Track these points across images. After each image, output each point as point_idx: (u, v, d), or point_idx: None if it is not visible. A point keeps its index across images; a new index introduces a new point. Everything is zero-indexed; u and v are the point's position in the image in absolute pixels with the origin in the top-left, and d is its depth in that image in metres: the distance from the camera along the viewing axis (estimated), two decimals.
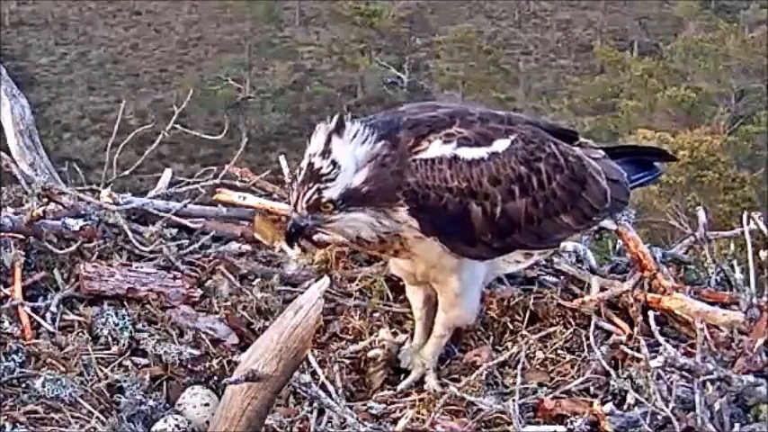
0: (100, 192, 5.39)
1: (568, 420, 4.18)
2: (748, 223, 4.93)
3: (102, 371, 4.36)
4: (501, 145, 4.32)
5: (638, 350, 4.37)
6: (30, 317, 4.54)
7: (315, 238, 4.95)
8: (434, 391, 4.46)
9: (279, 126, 53.36)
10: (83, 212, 5.12)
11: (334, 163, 4.07)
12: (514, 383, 4.41)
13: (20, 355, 4.29)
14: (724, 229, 5.33)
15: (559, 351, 4.68)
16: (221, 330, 4.66)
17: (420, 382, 4.55)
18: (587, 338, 4.65)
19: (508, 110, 4.80)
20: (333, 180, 4.07)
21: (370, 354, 4.62)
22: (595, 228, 4.95)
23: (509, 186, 4.30)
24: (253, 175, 5.57)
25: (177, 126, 5.93)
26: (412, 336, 4.71)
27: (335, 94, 55.70)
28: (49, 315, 4.60)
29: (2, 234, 4.82)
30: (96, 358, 4.40)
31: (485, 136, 4.32)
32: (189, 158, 45.64)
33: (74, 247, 4.92)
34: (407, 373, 4.59)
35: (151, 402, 4.21)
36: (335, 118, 4.14)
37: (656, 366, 4.05)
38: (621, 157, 4.88)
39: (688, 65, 50.55)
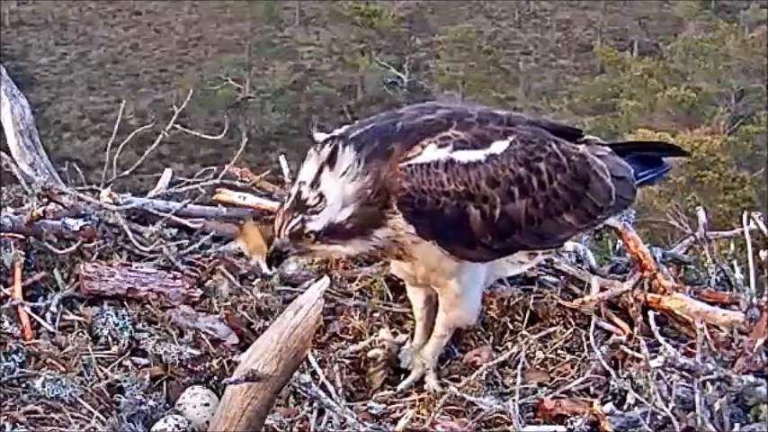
0: (100, 192, 5.39)
1: (568, 420, 4.18)
2: (748, 223, 4.93)
3: (102, 371, 4.36)
4: (499, 146, 4.31)
5: (638, 350, 4.37)
6: (30, 317, 4.54)
7: None
8: (434, 391, 4.46)
9: (279, 126, 53.36)
10: (83, 212, 5.12)
11: (321, 196, 4.12)
12: (514, 383, 4.41)
13: (20, 355, 4.29)
14: (724, 229, 5.33)
15: (559, 351, 4.68)
16: (221, 330, 4.66)
17: (420, 382, 4.55)
18: (587, 338, 4.65)
19: (508, 110, 4.77)
20: (317, 213, 4.12)
21: (370, 354, 4.62)
22: (600, 225, 4.93)
23: (508, 188, 4.28)
24: (253, 175, 5.57)
25: (177, 126, 5.93)
26: (412, 336, 4.71)
27: (335, 94, 55.72)
28: (49, 315, 4.60)
29: (2, 234, 4.82)
30: (96, 358, 4.40)
31: (482, 138, 4.30)
32: (189, 158, 45.64)
33: (74, 247, 4.92)
34: (407, 373, 4.59)
35: (151, 402, 4.21)
36: (329, 148, 4.15)
37: (656, 366, 4.05)
38: (630, 153, 4.85)
39: (688, 65, 50.55)
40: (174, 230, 5.30)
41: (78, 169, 5.83)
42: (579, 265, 5.09)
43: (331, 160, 4.14)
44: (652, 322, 4.40)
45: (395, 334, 4.72)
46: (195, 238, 5.28)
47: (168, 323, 4.65)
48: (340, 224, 4.14)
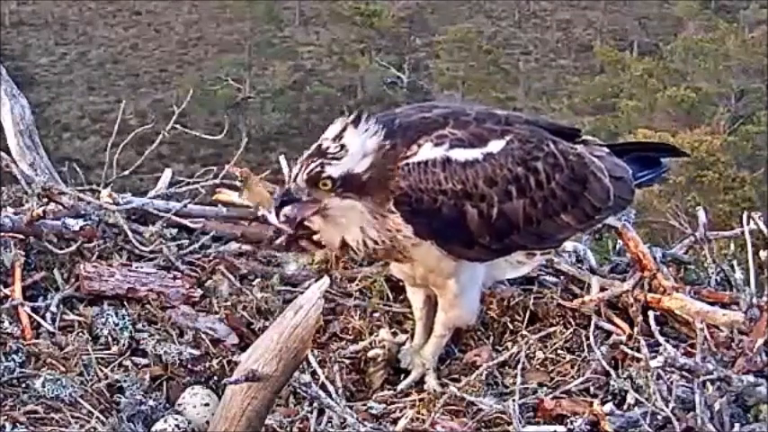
0: (100, 192, 5.39)
1: (568, 420, 4.18)
2: (748, 223, 4.93)
3: (102, 371, 4.36)
4: (496, 145, 4.30)
5: (638, 350, 4.37)
6: (30, 317, 4.54)
7: (315, 238, 4.96)
8: (434, 391, 4.46)
9: (279, 126, 53.36)
10: (83, 212, 5.12)
11: (342, 146, 4.14)
12: (514, 383, 4.41)
13: (20, 355, 4.29)
14: (724, 229, 5.33)
15: (559, 351, 4.68)
16: (221, 330, 4.66)
17: (420, 382, 4.55)
18: (587, 338, 4.65)
19: (508, 110, 4.77)
20: (338, 159, 4.12)
21: (370, 354, 4.62)
22: (599, 226, 4.93)
23: (506, 187, 4.28)
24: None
25: (177, 126, 5.93)
26: (412, 336, 4.71)
27: (335, 94, 55.70)
28: (49, 315, 4.60)
29: (2, 234, 4.82)
30: (96, 358, 4.40)
31: (479, 137, 4.30)
32: (189, 158, 45.64)
33: (74, 247, 4.92)
34: (407, 373, 4.59)
35: (151, 402, 4.21)
36: (355, 112, 4.23)
37: (656, 366, 4.05)
38: (628, 154, 4.85)
39: (688, 65, 50.55)
40: (174, 230, 5.30)
41: (78, 169, 5.83)
42: (579, 265, 5.09)
43: (355, 121, 4.19)
44: (652, 322, 4.41)
45: (395, 334, 4.72)
46: (195, 238, 5.28)
47: (168, 323, 4.65)
48: (357, 175, 4.13)
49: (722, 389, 4.13)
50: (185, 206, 5.39)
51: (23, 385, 4.19)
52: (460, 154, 4.24)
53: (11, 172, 5.36)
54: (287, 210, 4.19)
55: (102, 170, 5.69)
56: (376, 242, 4.22)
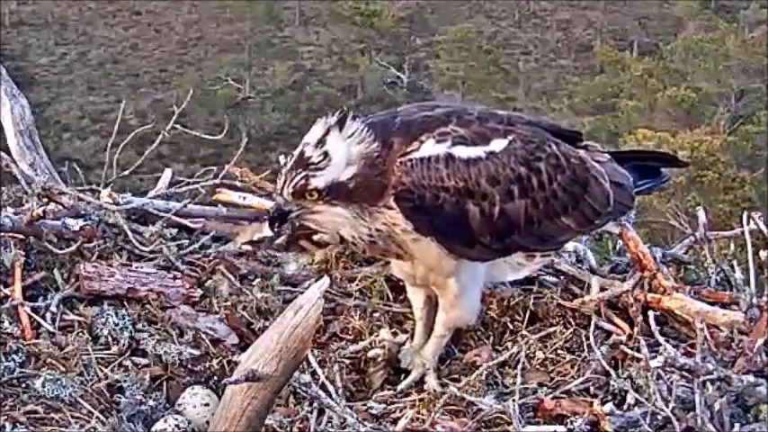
0: (100, 192, 5.39)
1: (568, 420, 4.18)
2: (748, 223, 4.92)
3: (102, 371, 4.36)
4: (499, 144, 4.30)
5: (638, 350, 4.37)
6: (30, 317, 4.54)
7: (315, 238, 4.96)
8: (434, 391, 4.46)
9: (279, 126, 53.35)
10: (83, 212, 5.12)
11: (325, 154, 4.10)
12: (514, 383, 4.40)
13: (20, 355, 4.29)
14: (724, 229, 5.32)
15: (559, 351, 4.68)
16: (221, 330, 4.66)
17: (420, 382, 4.55)
18: (587, 338, 4.65)
19: (508, 110, 4.78)
20: (321, 170, 4.09)
21: (370, 354, 4.62)
22: (599, 231, 4.94)
23: (508, 186, 4.28)
24: (253, 175, 5.57)
25: (177, 126, 5.92)
26: (412, 336, 4.71)
27: (335, 94, 55.68)
28: (49, 315, 4.60)
29: (2, 234, 4.82)
30: (96, 358, 4.40)
31: (482, 135, 4.30)
32: (189, 158, 45.64)
33: (74, 247, 4.92)
34: (407, 373, 4.59)
35: (151, 402, 4.21)
36: (338, 114, 4.16)
37: (656, 366, 4.05)
38: (628, 162, 4.85)
39: (688, 65, 50.54)
40: (174, 230, 5.30)
41: (78, 169, 5.83)
42: (579, 265, 5.09)
43: (338, 124, 4.13)
44: (652, 322, 4.40)
45: (395, 334, 4.72)
46: (195, 238, 5.28)
47: (168, 323, 4.65)
48: (343, 183, 4.11)
49: (722, 389, 4.13)
50: (185, 206, 5.39)
51: (23, 385, 4.19)
52: (463, 151, 4.24)
53: (11, 172, 5.36)
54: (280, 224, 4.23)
55: (102, 170, 5.68)
56: (371, 236, 4.22)
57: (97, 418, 4.08)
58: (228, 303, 4.84)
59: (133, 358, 4.47)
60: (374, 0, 59.42)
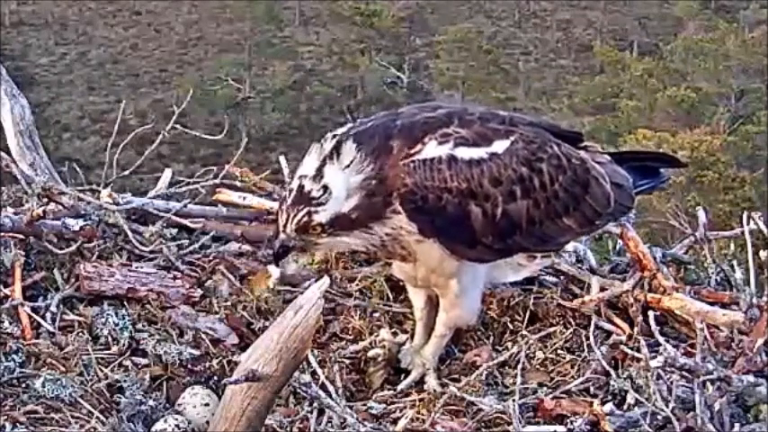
0: (100, 192, 5.39)
1: (568, 420, 4.18)
2: (748, 223, 4.93)
3: (102, 371, 4.36)
4: (501, 145, 4.31)
5: (638, 350, 4.37)
6: (30, 317, 4.54)
7: None
8: (434, 391, 4.46)
9: (279, 126, 53.35)
10: (83, 212, 5.12)
11: (325, 188, 4.13)
12: (514, 383, 4.41)
13: (20, 355, 4.29)
14: (724, 229, 5.33)
15: (559, 351, 4.68)
16: (221, 330, 4.66)
17: (420, 382, 4.55)
18: (587, 338, 4.66)
19: (508, 110, 4.78)
20: (323, 205, 4.12)
21: (370, 354, 4.62)
22: (599, 232, 4.95)
23: (510, 187, 4.28)
24: (253, 175, 5.57)
25: (177, 126, 5.93)
26: (412, 336, 4.71)
27: (335, 94, 55.71)
28: (49, 315, 4.60)
29: (2, 234, 4.82)
30: (96, 358, 4.40)
31: (483, 136, 4.31)
32: (189, 158, 45.61)
33: (74, 247, 4.92)
34: (407, 373, 4.59)
35: (151, 402, 4.21)
36: (333, 142, 4.17)
37: (656, 366, 4.05)
38: (627, 163, 4.86)
39: (688, 65, 50.53)
40: (174, 230, 5.30)
41: (78, 169, 5.83)
42: (579, 265, 5.09)
43: (334, 154, 4.14)
44: (652, 322, 4.40)
45: (395, 334, 4.72)
46: (195, 238, 5.28)
47: (168, 323, 4.65)
48: (345, 215, 4.14)
49: (722, 389, 4.13)
50: (185, 206, 5.39)
51: (23, 385, 4.19)
52: (465, 152, 4.24)
53: (11, 172, 5.36)
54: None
55: (102, 170, 5.69)
56: (383, 241, 4.24)
57: (97, 418, 4.08)
58: (228, 303, 4.84)
59: (133, 358, 4.47)
60: (374, 0, 59.40)
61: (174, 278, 4.88)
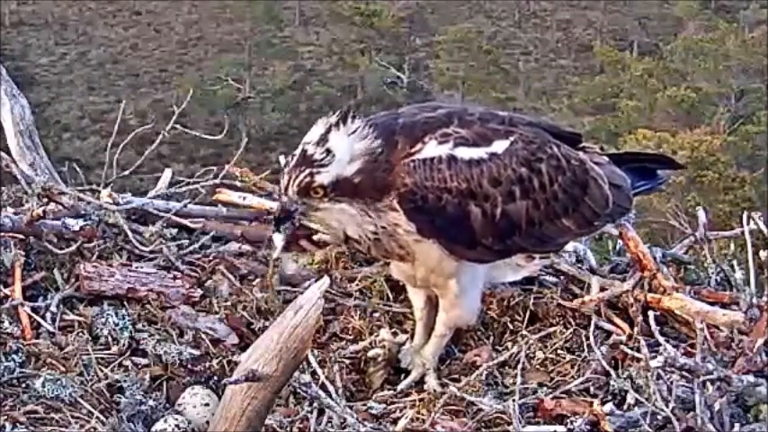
0: (100, 192, 5.39)
1: (568, 420, 4.18)
2: (748, 223, 4.93)
3: (102, 371, 4.36)
4: (500, 146, 4.31)
5: (638, 350, 4.37)
6: (30, 317, 4.54)
7: (315, 238, 4.96)
8: (434, 391, 4.46)
9: (279, 126, 53.35)
10: (83, 212, 5.12)
11: (328, 151, 4.10)
12: (514, 383, 4.41)
13: (20, 355, 4.29)
14: (724, 229, 5.32)
15: (559, 351, 4.68)
16: (221, 330, 4.66)
17: (420, 382, 4.55)
18: (587, 338, 4.66)
19: (508, 110, 4.78)
20: (326, 166, 4.09)
21: (370, 354, 4.62)
22: (598, 233, 4.95)
23: (509, 188, 4.28)
24: (253, 175, 5.57)
25: (177, 126, 5.93)
26: (412, 336, 4.71)
27: (335, 94, 55.68)
28: (49, 315, 4.60)
29: (2, 234, 4.82)
30: (96, 358, 4.40)
31: (483, 136, 4.31)
32: (189, 158, 45.62)
33: (74, 247, 4.92)
34: (407, 373, 4.59)
35: (151, 402, 4.21)
36: (339, 113, 4.16)
37: (656, 366, 4.05)
38: (626, 164, 4.86)
39: (688, 65, 50.55)
40: (174, 230, 5.30)
41: (78, 169, 5.83)
42: (579, 265, 5.09)
43: (339, 123, 4.13)
44: (652, 322, 4.40)
45: (395, 334, 4.72)
46: (195, 238, 5.28)
47: (168, 323, 4.65)
48: (348, 179, 4.11)
49: (722, 389, 4.13)
50: (185, 206, 5.39)
51: (23, 385, 4.19)
52: (465, 152, 4.24)
53: (11, 172, 5.36)
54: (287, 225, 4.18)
55: (102, 170, 5.69)
56: (376, 233, 4.22)
57: (97, 418, 4.08)
58: (228, 303, 4.84)
59: (133, 358, 4.47)
60: (374, 0, 59.41)
61: (174, 278, 4.88)
